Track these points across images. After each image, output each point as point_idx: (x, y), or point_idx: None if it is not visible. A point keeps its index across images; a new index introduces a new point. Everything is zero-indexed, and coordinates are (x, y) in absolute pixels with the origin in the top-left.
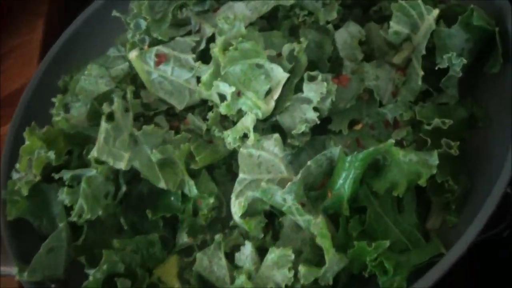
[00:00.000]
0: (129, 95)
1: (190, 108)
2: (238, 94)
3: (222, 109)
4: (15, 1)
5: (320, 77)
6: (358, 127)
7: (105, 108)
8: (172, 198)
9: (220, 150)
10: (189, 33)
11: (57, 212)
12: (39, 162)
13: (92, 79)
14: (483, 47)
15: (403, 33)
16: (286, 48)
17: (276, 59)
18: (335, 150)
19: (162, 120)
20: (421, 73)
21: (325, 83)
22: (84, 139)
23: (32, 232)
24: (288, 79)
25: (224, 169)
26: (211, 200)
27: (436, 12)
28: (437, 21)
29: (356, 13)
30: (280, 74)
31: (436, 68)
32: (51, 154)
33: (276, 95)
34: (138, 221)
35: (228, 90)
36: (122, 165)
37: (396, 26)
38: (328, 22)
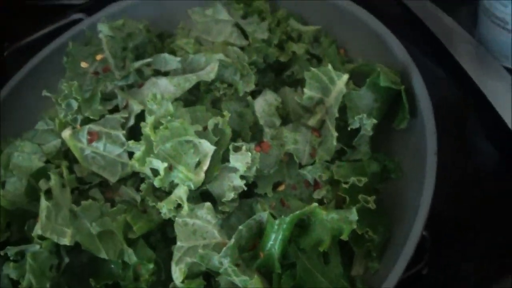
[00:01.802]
0: (64, 171)
1: (123, 180)
2: (170, 168)
3: (156, 182)
4: None
5: (244, 147)
6: (281, 188)
7: (42, 185)
8: (113, 266)
9: (154, 218)
10: (116, 108)
11: (2, 284)
12: None
13: (25, 155)
14: (392, 104)
15: (316, 97)
16: (211, 122)
17: (203, 133)
18: (263, 214)
19: (97, 193)
20: (335, 134)
21: (249, 153)
22: (23, 214)
23: None
24: (215, 150)
25: (159, 236)
26: (151, 266)
27: (345, 77)
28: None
29: (269, 77)
30: (207, 147)
31: (349, 129)
32: None
33: (205, 166)
34: None
35: (160, 165)
36: (66, 241)
37: (309, 92)
38: (246, 93)
